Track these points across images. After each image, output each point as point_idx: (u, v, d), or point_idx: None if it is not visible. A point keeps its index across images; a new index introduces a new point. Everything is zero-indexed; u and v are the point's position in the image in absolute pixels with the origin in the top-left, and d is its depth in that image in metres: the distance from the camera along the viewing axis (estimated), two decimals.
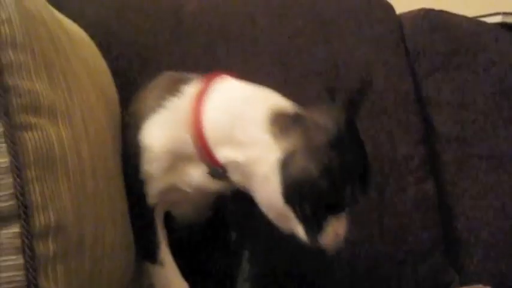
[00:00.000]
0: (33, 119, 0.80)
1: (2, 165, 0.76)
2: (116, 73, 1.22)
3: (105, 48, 1.24)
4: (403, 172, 1.56)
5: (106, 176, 0.95)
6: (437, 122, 1.69)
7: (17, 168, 0.76)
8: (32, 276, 0.75)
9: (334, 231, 0.99)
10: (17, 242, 0.75)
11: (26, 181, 0.77)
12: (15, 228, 0.76)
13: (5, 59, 0.79)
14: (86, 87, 0.95)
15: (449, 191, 1.63)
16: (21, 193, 0.76)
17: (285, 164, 0.96)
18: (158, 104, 1.03)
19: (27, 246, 0.75)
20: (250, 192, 1.02)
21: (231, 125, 0.99)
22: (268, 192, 0.98)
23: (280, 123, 0.98)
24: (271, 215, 1.01)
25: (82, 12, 1.35)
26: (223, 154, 1.00)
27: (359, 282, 1.44)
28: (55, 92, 0.85)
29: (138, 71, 1.38)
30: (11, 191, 0.76)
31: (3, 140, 0.77)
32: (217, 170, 1.02)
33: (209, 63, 1.48)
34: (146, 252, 1.08)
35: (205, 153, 1.01)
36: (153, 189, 1.06)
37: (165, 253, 1.09)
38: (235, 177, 1.02)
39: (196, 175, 1.04)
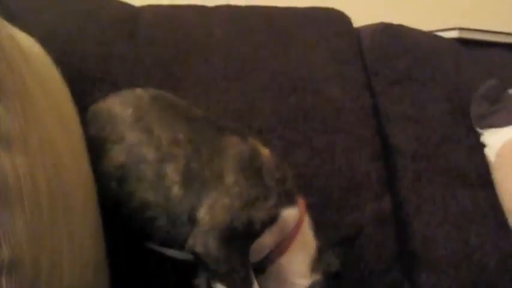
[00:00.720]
0: None
1: None
2: (73, 83, 1.19)
3: (63, 59, 1.21)
4: (360, 188, 1.54)
5: (65, 205, 0.89)
6: (394, 137, 1.68)
7: None
8: None
9: None
10: None
11: None
12: None
13: None
14: (43, 110, 0.90)
15: (406, 207, 1.62)
16: None
17: None
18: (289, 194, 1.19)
19: None
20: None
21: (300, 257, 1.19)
22: None
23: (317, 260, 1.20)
24: None
25: (38, 23, 1.31)
26: (284, 263, 1.18)
27: None
28: (9, 116, 0.79)
29: (96, 81, 1.37)
30: None
31: None
32: None
33: (162, 76, 1.46)
34: (243, 281, 1.08)
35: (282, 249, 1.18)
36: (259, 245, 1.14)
37: (256, 284, 1.10)
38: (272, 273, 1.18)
39: None
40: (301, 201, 1.19)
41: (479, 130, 1.71)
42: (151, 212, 1.10)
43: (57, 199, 0.86)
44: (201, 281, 1.22)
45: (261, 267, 1.16)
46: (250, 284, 1.08)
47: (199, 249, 1.06)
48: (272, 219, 1.11)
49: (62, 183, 0.89)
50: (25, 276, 0.76)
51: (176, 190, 1.10)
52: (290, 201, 1.15)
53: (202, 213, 1.08)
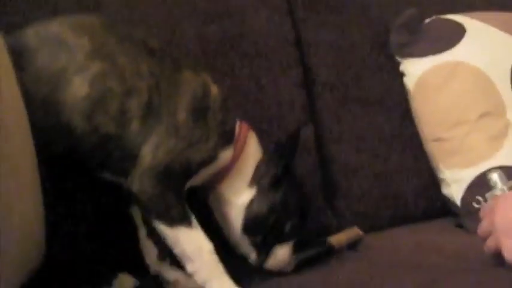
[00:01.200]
0: None
1: None
2: None
3: None
4: (284, 117, 1.54)
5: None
6: (315, 65, 1.66)
7: None
8: None
9: (279, 257, 1.23)
10: None
11: None
12: None
13: None
14: None
15: (327, 135, 1.63)
16: None
17: (248, 207, 1.22)
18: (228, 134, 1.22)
19: None
20: (219, 215, 1.26)
21: (241, 173, 1.24)
22: (234, 225, 1.23)
23: (254, 175, 1.24)
24: (232, 239, 1.25)
25: None
26: (224, 189, 1.23)
27: None
28: None
29: None
30: None
31: None
32: None
33: None
34: (182, 216, 1.11)
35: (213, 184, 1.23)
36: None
37: (193, 217, 1.12)
38: (213, 202, 1.26)
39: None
40: (243, 125, 1.25)
41: (398, 59, 1.71)
42: (110, 145, 1.11)
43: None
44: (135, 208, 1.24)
45: (203, 196, 1.24)
46: (188, 218, 1.10)
47: (135, 188, 1.10)
48: (209, 161, 1.16)
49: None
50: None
51: (135, 124, 1.10)
52: (228, 141, 1.19)
53: (147, 151, 1.10)
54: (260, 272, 1.23)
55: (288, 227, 1.24)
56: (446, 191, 1.62)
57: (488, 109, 1.60)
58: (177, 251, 1.11)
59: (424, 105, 1.66)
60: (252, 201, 1.22)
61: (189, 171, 1.14)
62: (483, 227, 1.15)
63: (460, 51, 1.65)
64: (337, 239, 1.43)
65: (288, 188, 1.25)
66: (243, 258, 1.25)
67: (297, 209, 1.26)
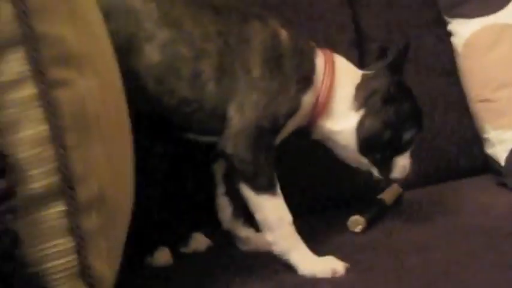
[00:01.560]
0: (65, 73, 0.69)
1: (42, 134, 0.66)
2: None
3: None
4: None
5: (122, 123, 0.86)
6: (367, 24, 1.68)
7: (58, 136, 0.67)
8: (84, 258, 0.68)
9: (401, 166, 1.29)
10: (64, 222, 0.67)
11: (68, 150, 0.68)
12: (59, 207, 0.67)
13: (32, 2, 0.67)
14: (99, 33, 0.84)
15: None
16: (65, 165, 0.67)
17: (358, 128, 1.23)
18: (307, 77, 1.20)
19: (76, 225, 0.67)
20: (331, 147, 1.29)
21: (339, 102, 1.23)
22: (349, 149, 1.26)
23: (357, 96, 1.24)
24: (351, 162, 1.31)
25: None
26: (325, 124, 1.24)
27: None
28: (79, 38, 0.73)
29: None
30: (54, 164, 0.66)
31: (39, 103, 0.66)
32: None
33: None
34: (269, 184, 1.13)
35: (313, 120, 1.23)
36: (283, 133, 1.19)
37: (278, 186, 1.14)
38: (319, 136, 1.27)
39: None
40: (326, 53, 1.26)
41: (447, 18, 1.73)
42: (189, 108, 1.13)
43: (120, 121, 0.83)
44: (218, 166, 1.29)
45: (306, 135, 1.27)
46: (274, 187, 1.13)
47: (229, 150, 1.12)
48: (294, 110, 1.17)
49: (120, 103, 0.85)
50: (109, 211, 0.74)
51: (211, 86, 1.12)
52: (308, 84, 1.20)
53: (233, 111, 1.13)
54: (387, 183, 1.37)
55: (405, 138, 1.27)
56: (490, 150, 1.66)
57: None
58: (258, 217, 1.14)
59: (473, 66, 1.68)
60: (361, 123, 1.23)
61: (277, 125, 1.15)
62: None
63: (508, 14, 1.67)
64: (387, 196, 1.48)
65: (402, 100, 1.27)
66: None
67: (413, 118, 1.29)
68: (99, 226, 0.72)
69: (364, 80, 1.26)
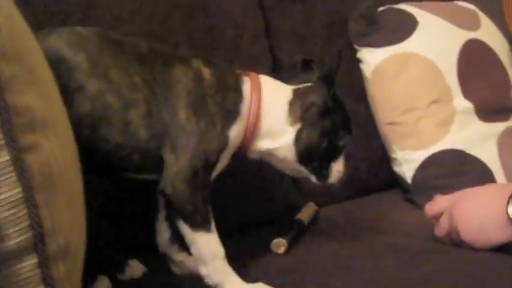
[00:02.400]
0: (32, 138, 0.76)
1: (15, 197, 0.72)
2: None
3: None
4: None
5: (78, 174, 0.91)
6: (282, 52, 1.79)
7: (30, 197, 0.73)
8: None
9: (337, 172, 1.36)
10: (37, 272, 0.74)
11: (38, 209, 0.74)
12: (33, 260, 0.74)
13: (2, 74, 0.73)
14: (54, 92, 0.89)
15: None
16: (36, 223, 0.73)
17: (296, 141, 1.29)
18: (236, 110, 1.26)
19: (47, 275, 0.74)
20: (269, 162, 1.36)
21: (271, 121, 1.29)
22: (288, 161, 1.32)
23: (292, 112, 1.30)
24: (290, 173, 1.40)
25: None
26: (260, 145, 1.30)
27: None
28: (42, 103, 0.80)
29: None
30: (27, 222, 0.73)
31: (12, 168, 0.72)
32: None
33: None
34: (205, 222, 1.19)
35: (246, 145, 1.29)
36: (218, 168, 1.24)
37: (213, 223, 1.21)
38: (256, 156, 1.34)
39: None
40: (252, 76, 1.31)
41: (356, 47, 1.86)
42: (125, 152, 1.17)
43: (77, 172, 0.89)
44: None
45: (242, 157, 1.33)
46: (209, 224, 1.19)
47: (168, 190, 1.17)
48: (224, 145, 1.23)
49: (74, 156, 0.91)
50: (74, 259, 0.80)
51: (143, 132, 1.17)
52: (234, 117, 1.25)
53: (167, 154, 1.18)
54: (324, 187, 1.38)
55: (341, 145, 1.34)
56: (398, 169, 1.80)
57: (437, 97, 1.77)
58: (194, 251, 1.20)
59: (380, 91, 1.82)
60: (299, 135, 1.29)
61: (210, 162, 1.20)
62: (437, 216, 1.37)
63: (413, 42, 1.82)
64: (304, 216, 1.58)
65: (336, 110, 1.32)
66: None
67: (345, 125, 1.36)
68: (65, 273, 0.78)
69: (297, 95, 1.31)
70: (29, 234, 0.74)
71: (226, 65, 1.33)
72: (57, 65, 1.11)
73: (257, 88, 1.29)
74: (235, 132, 1.25)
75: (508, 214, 1.20)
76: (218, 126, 1.22)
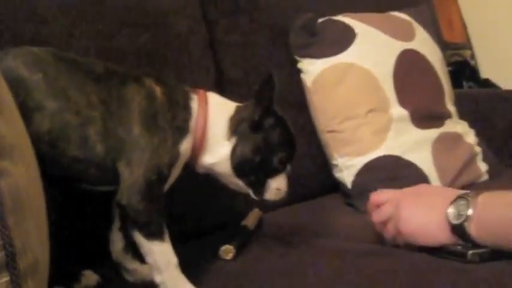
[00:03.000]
0: (2, 164, 0.80)
1: None
2: None
3: None
4: None
5: (41, 193, 0.95)
6: (226, 65, 1.86)
7: (2, 219, 0.77)
8: None
9: (274, 189, 1.39)
10: None
11: (10, 230, 0.78)
12: (5, 278, 0.78)
13: None
14: (16, 116, 0.93)
15: None
16: (8, 243, 0.78)
17: (232, 155, 1.35)
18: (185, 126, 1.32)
19: None
20: (214, 176, 1.41)
21: (214, 137, 1.35)
22: (227, 175, 1.38)
23: (230, 127, 1.35)
24: (231, 186, 1.42)
25: None
26: (204, 160, 1.37)
27: None
28: (8, 128, 0.84)
29: None
30: (0, 242, 0.77)
31: None
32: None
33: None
34: (159, 232, 1.24)
35: (194, 159, 1.36)
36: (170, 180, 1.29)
37: (167, 233, 1.25)
38: (203, 170, 1.40)
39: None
40: (200, 93, 1.37)
41: (297, 58, 1.94)
42: (82, 165, 1.22)
43: (40, 193, 0.93)
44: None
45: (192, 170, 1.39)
46: (163, 234, 1.24)
47: (124, 202, 1.22)
48: (175, 159, 1.29)
49: (37, 176, 0.95)
50: (40, 274, 0.85)
51: (99, 148, 1.22)
52: (183, 133, 1.31)
53: (122, 168, 1.23)
54: (262, 203, 1.43)
55: (275, 161, 1.36)
56: (338, 174, 1.88)
57: (374, 105, 1.87)
58: (148, 260, 1.25)
59: (320, 100, 1.90)
60: (234, 150, 1.34)
61: (163, 175, 1.26)
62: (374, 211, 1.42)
63: (352, 53, 1.91)
64: (250, 222, 1.64)
65: (271, 127, 1.36)
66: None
67: (283, 143, 1.38)
68: None
69: (237, 111, 1.37)
70: (2, 253, 0.78)
71: (176, 83, 1.39)
72: (15, 84, 1.14)
73: (204, 105, 1.35)
74: (184, 147, 1.31)
75: (447, 218, 1.24)
76: (169, 142, 1.28)
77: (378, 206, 1.40)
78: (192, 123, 1.33)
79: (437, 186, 1.53)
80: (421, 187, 1.43)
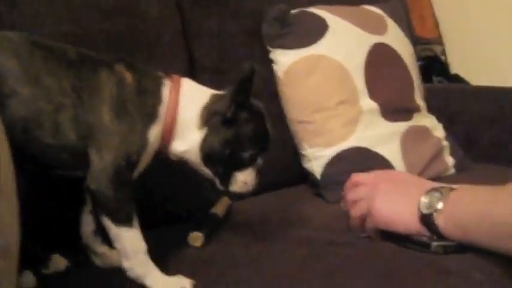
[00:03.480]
0: None
1: None
2: None
3: None
4: None
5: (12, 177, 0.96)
6: (198, 52, 1.86)
7: None
8: None
9: (241, 181, 1.39)
10: None
11: None
12: None
13: None
14: None
15: None
16: None
17: (202, 145, 1.35)
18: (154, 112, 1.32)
19: None
20: (186, 163, 1.41)
21: (185, 124, 1.35)
22: (196, 163, 1.38)
23: (202, 116, 1.35)
24: (201, 172, 1.41)
25: None
26: (174, 147, 1.37)
27: None
28: None
29: None
30: None
31: None
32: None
33: None
34: (127, 218, 1.25)
35: (165, 146, 1.36)
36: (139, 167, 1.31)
37: (136, 219, 1.26)
38: (175, 158, 1.40)
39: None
40: (173, 79, 1.38)
41: (269, 48, 1.95)
42: (55, 151, 1.23)
43: (11, 176, 0.94)
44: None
45: (166, 157, 1.40)
46: (131, 220, 1.25)
47: (93, 187, 1.23)
48: (144, 146, 1.30)
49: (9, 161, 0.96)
50: (11, 256, 0.85)
51: (72, 135, 1.23)
52: (152, 119, 1.32)
53: (93, 154, 1.24)
54: (228, 195, 1.50)
55: (246, 156, 1.36)
56: (307, 165, 1.90)
57: (344, 97, 1.88)
58: (117, 246, 1.26)
59: (291, 91, 1.92)
60: (204, 140, 1.34)
61: (132, 161, 1.27)
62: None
63: (323, 45, 1.92)
64: (219, 210, 1.65)
65: (244, 122, 1.35)
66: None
67: (255, 139, 1.38)
68: (5, 270, 0.84)
69: (212, 100, 1.37)
70: None
71: (148, 69, 1.38)
72: None
73: (176, 91, 1.35)
74: (153, 134, 1.31)
75: (419, 207, 1.25)
76: (138, 128, 1.29)
77: (356, 186, 1.42)
78: (162, 109, 1.33)
79: (415, 176, 1.54)
80: (400, 174, 1.45)
